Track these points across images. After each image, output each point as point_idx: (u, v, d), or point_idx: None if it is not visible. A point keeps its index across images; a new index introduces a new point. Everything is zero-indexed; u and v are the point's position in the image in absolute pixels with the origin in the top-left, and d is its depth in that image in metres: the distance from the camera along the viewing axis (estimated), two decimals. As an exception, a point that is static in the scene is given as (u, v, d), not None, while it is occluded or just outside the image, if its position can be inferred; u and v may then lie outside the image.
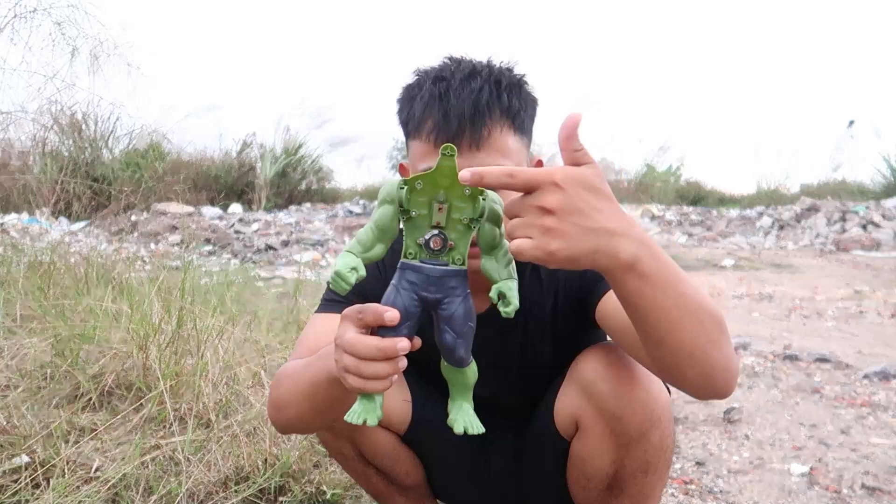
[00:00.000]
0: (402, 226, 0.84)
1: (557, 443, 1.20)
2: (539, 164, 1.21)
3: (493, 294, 0.84)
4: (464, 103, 1.05)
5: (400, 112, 1.16)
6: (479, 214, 0.82)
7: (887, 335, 4.35)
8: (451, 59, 1.15)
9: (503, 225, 0.84)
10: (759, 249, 10.58)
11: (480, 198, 0.82)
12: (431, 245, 0.82)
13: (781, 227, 12.31)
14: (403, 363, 0.84)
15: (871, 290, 6.45)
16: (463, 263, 0.84)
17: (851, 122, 17.56)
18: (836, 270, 8.25)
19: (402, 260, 0.84)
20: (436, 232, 0.82)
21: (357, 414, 0.86)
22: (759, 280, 7.33)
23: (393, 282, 0.85)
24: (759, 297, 6.05)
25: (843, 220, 11.79)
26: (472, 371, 0.90)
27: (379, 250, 0.83)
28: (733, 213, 13.80)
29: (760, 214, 13.15)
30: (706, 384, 0.88)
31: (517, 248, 0.75)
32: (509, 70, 1.13)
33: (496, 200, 0.83)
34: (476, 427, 0.90)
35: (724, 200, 16.89)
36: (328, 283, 1.33)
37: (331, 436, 1.28)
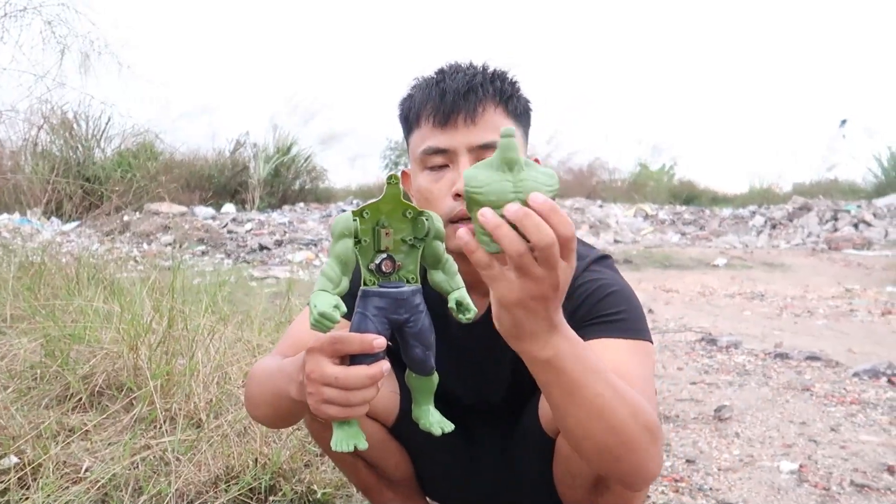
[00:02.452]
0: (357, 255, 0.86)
1: (543, 440, 1.21)
2: (536, 162, 1.23)
3: (451, 304, 0.89)
4: (458, 83, 1.12)
5: (401, 113, 1.21)
6: (426, 233, 0.86)
7: (877, 333, 4.38)
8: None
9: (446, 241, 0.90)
10: (751, 248, 10.63)
11: (423, 218, 0.86)
12: (383, 268, 0.85)
13: (774, 227, 12.38)
14: (381, 384, 0.87)
15: (862, 289, 6.50)
16: (417, 281, 0.88)
17: (843, 122, 17.69)
18: (827, 269, 8.30)
19: (364, 288, 0.86)
20: (385, 255, 0.85)
21: (343, 441, 0.88)
22: (751, 279, 7.38)
23: (358, 309, 0.85)
24: (750, 296, 6.08)
25: (835, 219, 11.86)
26: (436, 376, 0.96)
27: (345, 283, 0.84)
28: (726, 212, 13.86)
29: (753, 214, 13.22)
30: (615, 473, 0.96)
31: (498, 287, 0.76)
32: (504, 71, 1.20)
33: (438, 219, 0.87)
34: (448, 425, 0.97)
35: (717, 200, 16.97)
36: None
37: (319, 426, 1.28)
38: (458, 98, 1.11)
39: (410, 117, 1.18)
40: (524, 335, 0.80)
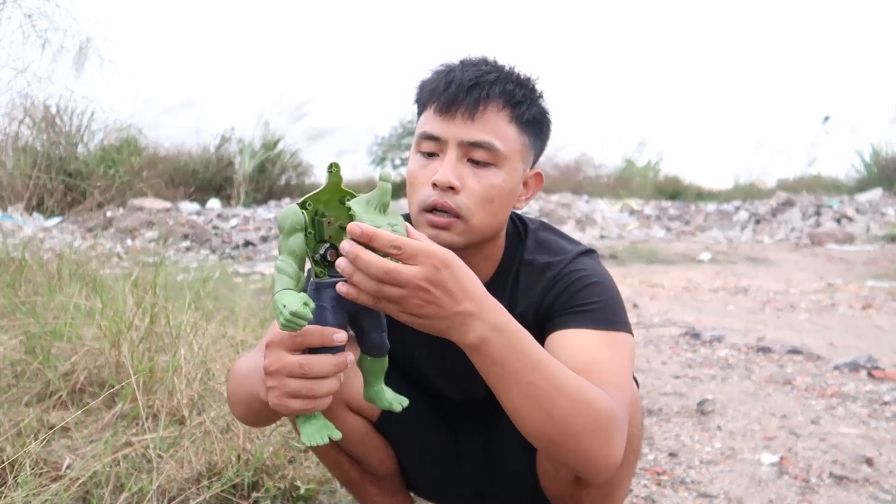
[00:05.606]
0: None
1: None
2: (538, 177, 1.21)
3: None
4: (467, 75, 1.10)
5: (416, 93, 1.19)
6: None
7: (858, 327, 4.43)
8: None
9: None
10: (735, 243, 10.71)
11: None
12: (328, 258, 0.84)
13: (758, 222, 12.46)
14: (342, 377, 0.87)
15: (844, 283, 6.57)
16: None
17: (827, 118, 17.84)
18: (810, 264, 8.38)
19: (316, 280, 0.85)
20: (328, 245, 0.84)
21: (316, 434, 0.88)
22: (734, 274, 7.43)
23: (315, 302, 0.84)
24: (734, 291, 6.13)
25: (818, 214, 11.97)
26: (387, 357, 0.96)
27: (302, 279, 0.84)
28: (711, 207, 13.94)
29: (737, 209, 13.30)
30: (562, 461, 0.99)
31: (383, 310, 0.83)
32: (529, 78, 1.16)
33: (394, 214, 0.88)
34: (403, 399, 0.98)
35: (701, 195, 17.07)
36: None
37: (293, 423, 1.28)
38: (460, 90, 1.09)
39: (421, 99, 1.17)
40: (440, 332, 0.85)
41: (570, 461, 0.96)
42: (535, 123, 1.15)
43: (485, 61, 1.15)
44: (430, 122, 1.11)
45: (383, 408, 0.97)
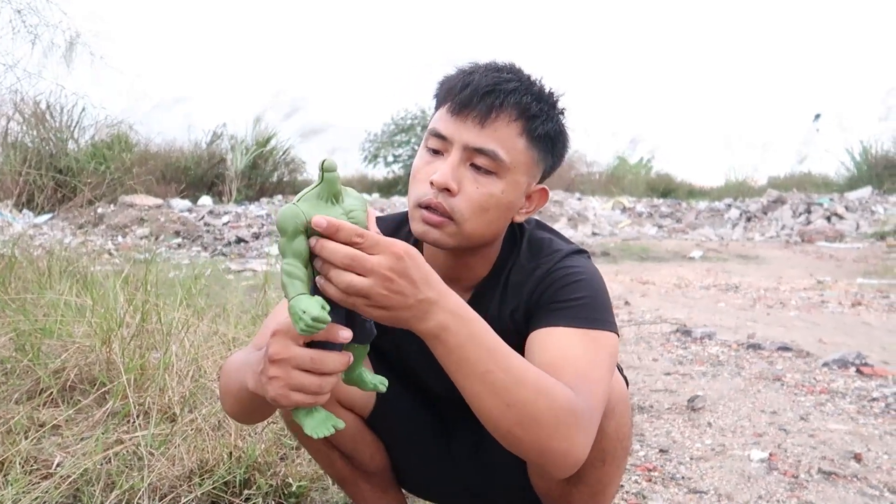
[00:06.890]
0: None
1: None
2: (543, 192, 1.20)
3: None
4: (485, 80, 1.08)
5: (436, 89, 1.18)
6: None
7: (847, 324, 4.46)
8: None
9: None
10: (726, 241, 10.77)
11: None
12: None
13: (749, 219, 12.54)
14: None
15: (834, 281, 6.61)
16: None
17: (817, 116, 17.96)
18: (800, 261, 8.43)
19: (318, 278, 0.85)
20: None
21: (321, 426, 0.89)
22: (725, 271, 7.47)
23: None
24: (725, 288, 6.16)
25: (808, 212, 12.05)
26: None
27: (310, 281, 0.84)
28: (702, 205, 14.01)
29: (729, 206, 13.38)
30: (523, 454, 0.98)
31: (353, 305, 0.83)
32: (551, 93, 1.13)
33: (354, 197, 0.89)
34: (384, 379, 0.99)
35: (693, 193, 17.17)
36: None
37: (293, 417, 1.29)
38: (475, 94, 1.07)
39: (439, 95, 1.16)
40: (404, 323, 0.87)
41: (530, 454, 0.96)
42: (547, 139, 1.12)
43: (509, 68, 1.12)
44: (441, 121, 1.11)
45: (367, 390, 0.98)
